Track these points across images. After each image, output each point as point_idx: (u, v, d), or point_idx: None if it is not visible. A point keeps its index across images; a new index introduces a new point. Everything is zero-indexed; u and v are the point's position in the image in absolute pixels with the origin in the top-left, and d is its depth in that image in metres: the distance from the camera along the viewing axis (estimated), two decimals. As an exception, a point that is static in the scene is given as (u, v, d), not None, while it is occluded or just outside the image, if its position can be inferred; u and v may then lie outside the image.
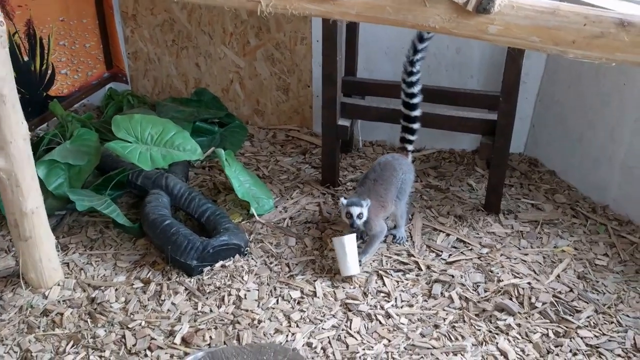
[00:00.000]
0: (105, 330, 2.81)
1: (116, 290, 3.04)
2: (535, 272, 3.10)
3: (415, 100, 3.21)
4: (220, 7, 3.99)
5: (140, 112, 3.86)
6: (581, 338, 2.73)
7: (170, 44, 4.43)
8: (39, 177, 3.30)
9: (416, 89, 3.18)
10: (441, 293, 2.99)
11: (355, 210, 3.06)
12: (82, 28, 4.37)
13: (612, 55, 1.76)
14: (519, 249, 3.27)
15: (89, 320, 2.87)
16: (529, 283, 3.02)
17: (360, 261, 3.12)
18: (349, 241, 3.04)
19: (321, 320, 2.85)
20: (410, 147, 3.35)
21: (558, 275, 3.08)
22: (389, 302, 2.95)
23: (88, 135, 3.60)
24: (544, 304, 2.90)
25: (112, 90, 4.66)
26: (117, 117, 3.44)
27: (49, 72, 4.16)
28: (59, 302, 2.98)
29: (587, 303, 2.91)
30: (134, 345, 2.73)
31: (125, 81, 4.73)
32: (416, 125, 3.29)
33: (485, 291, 2.99)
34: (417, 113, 3.25)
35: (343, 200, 3.11)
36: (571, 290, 2.99)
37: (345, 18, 2.02)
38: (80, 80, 4.44)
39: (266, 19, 4.02)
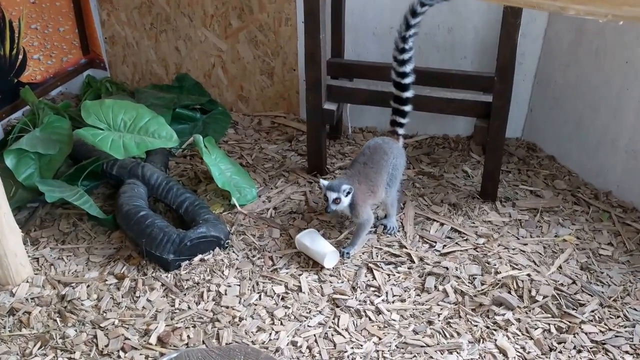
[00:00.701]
0: (76, 330, 2.67)
1: (88, 286, 2.88)
2: (535, 263, 2.94)
3: (407, 81, 3.02)
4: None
5: (116, 99, 3.66)
6: (586, 334, 2.58)
7: (148, 27, 4.24)
8: (7, 168, 3.17)
9: (408, 68, 3.00)
10: (435, 287, 2.83)
11: (331, 195, 2.89)
12: (56, 11, 4.16)
13: (619, 11, 1.55)
14: (518, 238, 3.12)
15: (58, 319, 2.72)
16: (528, 275, 2.86)
17: (348, 253, 2.99)
18: (307, 235, 3.01)
19: (307, 317, 2.70)
20: (401, 131, 3.17)
21: (560, 266, 2.93)
22: (379, 297, 2.79)
23: (59, 122, 3.42)
24: (545, 297, 2.75)
25: (90, 77, 4.48)
26: (87, 102, 3.26)
27: (20, 57, 3.95)
28: (27, 300, 2.83)
29: (592, 296, 2.76)
30: (107, 346, 2.59)
31: (104, 67, 4.53)
32: (408, 108, 3.10)
33: (482, 284, 2.83)
34: (409, 94, 3.06)
35: (323, 182, 2.96)
36: (574, 282, 2.83)
37: None
38: (55, 66, 4.24)
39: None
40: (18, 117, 4.00)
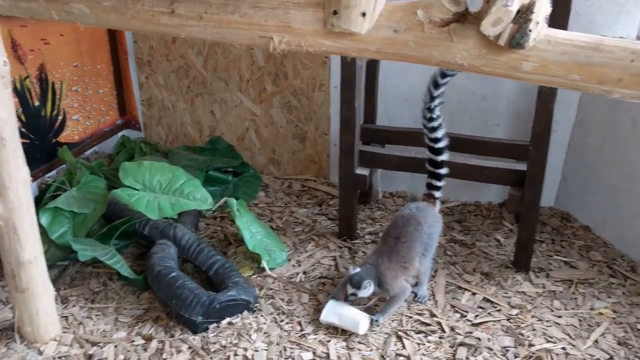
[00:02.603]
0: (101, 391, 2.62)
1: (115, 347, 2.84)
2: (570, 337, 2.86)
3: (441, 145, 3.01)
4: (232, 46, 3.96)
5: (150, 159, 3.71)
6: (624, 412, 2.48)
7: (185, 90, 4.32)
8: (42, 226, 3.19)
9: (440, 133, 2.99)
10: (467, 358, 2.75)
11: (349, 290, 2.89)
12: (96, 74, 4.27)
13: (662, 94, 1.57)
14: (552, 310, 3.04)
15: (84, 379, 2.68)
16: (563, 348, 2.78)
17: (377, 321, 2.93)
18: (331, 312, 2.91)
19: (335, 386, 2.63)
20: (437, 194, 3.11)
21: (596, 341, 2.84)
22: (409, 366, 2.72)
23: (95, 182, 3.46)
24: (580, 372, 2.66)
25: (124, 137, 4.55)
26: (125, 163, 3.31)
27: (60, 117, 4.04)
28: (54, 358, 2.80)
29: (629, 372, 2.67)
30: (132, 408, 2.54)
31: (139, 128, 4.62)
32: (443, 170, 3.06)
33: (515, 356, 2.75)
34: (444, 157, 3.03)
35: (350, 270, 2.92)
36: (611, 358, 2.74)
37: (365, 55, 1.83)
38: (92, 127, 4.33)
39: (281, 58, 3.89)
40: (52, 176, 4.05)
